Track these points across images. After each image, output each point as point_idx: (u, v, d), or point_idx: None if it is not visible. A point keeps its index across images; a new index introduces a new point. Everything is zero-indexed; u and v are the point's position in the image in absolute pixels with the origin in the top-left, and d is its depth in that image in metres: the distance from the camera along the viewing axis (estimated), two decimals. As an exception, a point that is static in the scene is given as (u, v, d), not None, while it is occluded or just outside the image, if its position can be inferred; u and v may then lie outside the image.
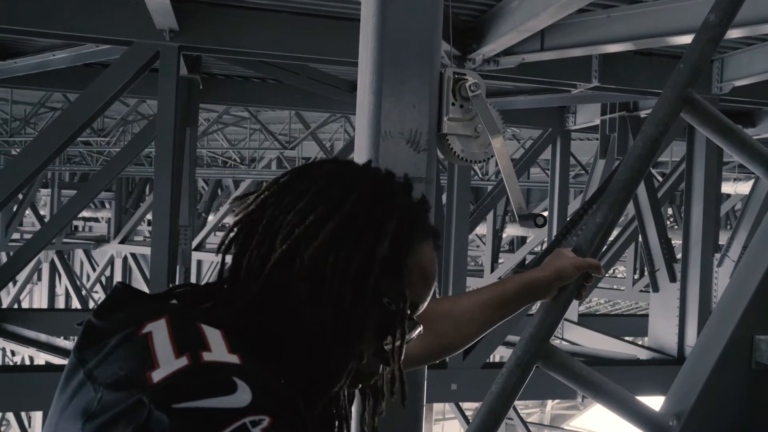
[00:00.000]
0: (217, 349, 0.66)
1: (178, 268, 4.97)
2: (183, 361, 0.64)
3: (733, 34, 3.58)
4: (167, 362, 0.64)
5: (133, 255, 9.58)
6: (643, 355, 5.31)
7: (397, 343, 0.78)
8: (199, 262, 10.39)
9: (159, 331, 0.68)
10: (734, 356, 1.21)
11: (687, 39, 3.79)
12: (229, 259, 0.80)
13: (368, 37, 1.27)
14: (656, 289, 5.27)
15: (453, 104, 1.29)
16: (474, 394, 5.06)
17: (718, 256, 5.57)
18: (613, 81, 4.63)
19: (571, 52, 4.19)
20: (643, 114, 5.60)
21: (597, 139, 6.00)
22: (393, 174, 0.84)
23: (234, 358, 0.66)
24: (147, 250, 10.03)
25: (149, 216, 11.75)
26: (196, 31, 4.07)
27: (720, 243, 5.89)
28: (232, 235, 0.80)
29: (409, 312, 0.79)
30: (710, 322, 1.27)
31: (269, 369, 0.70)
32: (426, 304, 0.84)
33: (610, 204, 1.16)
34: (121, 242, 9.55)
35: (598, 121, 5.89)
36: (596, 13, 4.03)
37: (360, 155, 1.28)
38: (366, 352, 0.78)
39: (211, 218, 10.42)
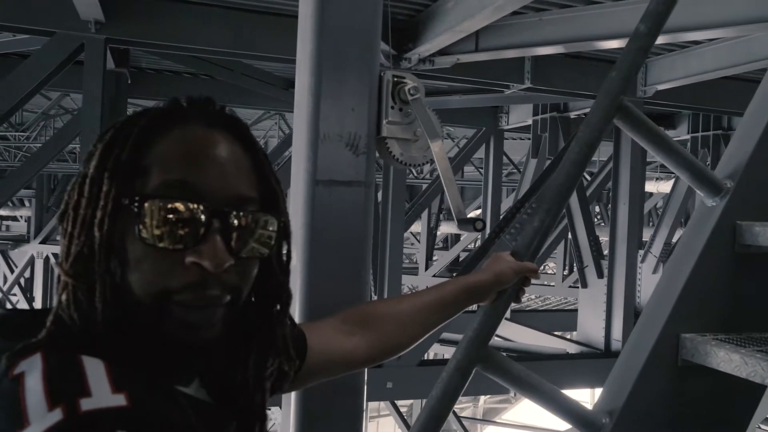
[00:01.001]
0: (99, 391, 0.57)
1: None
2: (57, 416, 0.54)
3: (656, 40, 3.73)
4: (39, 418, 0.54)
5: (56, 255, 9.17)
6: (572, 349, 5.48)
7: (156, 225, 0.64)
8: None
9: (32, 373, 0.59)
10: (662, 354, 1.26)
11: (614, 43, 3.93)
12: None
13: (307, 37, 1.24)
14: (585, 285, 5.44)
15: (392, 107, 1.28)
16: (409, 392, 5.10)
17: (641, 252, 5.81)
18: (545, 82, 4.75)
19: (504, 53, 4.27)
20: (572, 115, 5.77)
21: (529, 139, 6.15)
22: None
23: (120, 400, 0.57)
24: (71, 250, 9.66)
25: (74, 214, 11.29)
26: (123, 24, 3.92)
27: (643, 240, 6.15)
28: None
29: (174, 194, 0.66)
30: (640, 321, 1.32)
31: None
32: (202, 177, 0.68)
33: (546, 208, 1.18)
34: (43, 242, 9.13)
35: (530, 121, 6.03)
36: (529, 16, 4.12)
37: (298, 156, 1.26)
38: (148, 263, 0.66)
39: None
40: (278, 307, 0.77)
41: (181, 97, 0.74)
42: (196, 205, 0.66)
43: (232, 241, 0.67)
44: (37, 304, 9.61)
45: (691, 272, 1.26)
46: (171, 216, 0.66)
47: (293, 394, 1.30)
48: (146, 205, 0.66)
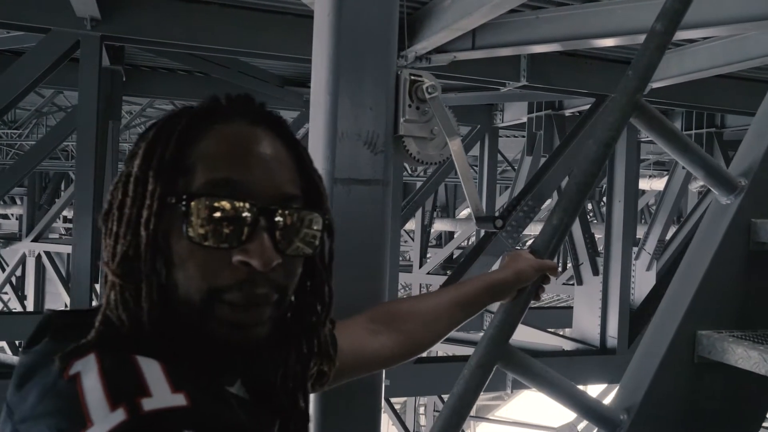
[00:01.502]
0: (159, 391, 0.57)
1: (100, 266, 4.77)
2: (119, 416, 0.54)
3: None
4: (101, 419, 0.54)
5: (48, 253, 9.10)
6: (568, 346, 5.50)
7: (202, 227, 0.64)
8: (120, 260, 9.97)
9: (88, 373, 0.58)
10: (678, 351, 1.27)
11: (610, 41, 3.95)
12: None
13: (324, 35, 1.24)
14: (580, 282, 5.46)
15: (409, 106, 1.28)
16: (407, 390, 5.11)
17: (635, 249, 5.84)
18: (540, 80, 4.76)
19: (500, 51, 4.28)
20: (567, 113, 5.79)
21: (524, 137, 6.16)
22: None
23: (180, 399, 0.57)
24: (62, 249, 9.58)
25: (65, 213, 11.21)
26: (120, 21, 3.90)
27: (636, 237, 6.17)
28: None
29: (217, 193, 0.66)
30: (655, 318, 1.32)
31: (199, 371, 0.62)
32: (248, 176, 0.68)
33: (565, 207, 1.19)
34: (34, 240, 9.06)
35: (524, 119, 6.04)
36: (526, 14, 4.13)
37: (315, 155, 1.25)
38: (196, 262, 0.65)
39: (132, 215, 10.02)
40: (320, 307, 0.76)
41: (220, 94, 0.74)
42: (243, 204, 0.66)
43: (278, 240, 0.67)
44: (29, 304, 9.53)
45: (707, 270, 1.27)
46: (218, 214, 0.65)
47: (312, 395, 1.29)
48: (193, 203, 0.65)
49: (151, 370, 0.59)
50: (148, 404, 0.55)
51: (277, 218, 0.67)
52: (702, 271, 1.27)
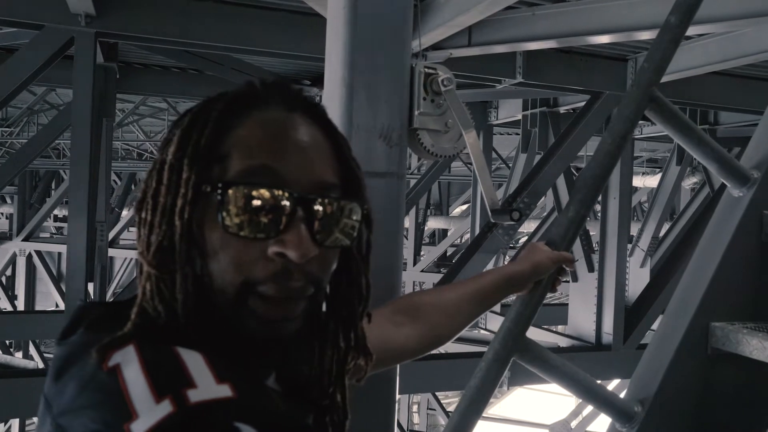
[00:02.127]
0: (204, 383, 0.55)
1: (95, 265, 4.74)
2: (166, 408, 0.52)
3: (643, 36, 3.78)
4: (147, 410, 0.52)
5: (39, 252, 9.03)
6: (563, 342, 5.52)
7: (237, 216, 0.63)
8: (112, 259, 9.93)
9: (129, 364, 0.57)
10: (692, 343, 1.27)
11: (606, 38, 3.97)
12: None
13: (338, 28, 1.23)
14: (575, 279, 5.48)
15: (424, 99, 1.28)
16: (401, 387, 5.08)
17: (629, 246, 5.86)
18: (536, 77, 4.77)
19: (497, 48, 4.28)
20: (562, 110, 5.81)
21: (518, 134, 6.17)
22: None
23: (226, 391, 0.55)
24: (54, 248, 9.52)
25: (57, 211, 11.12)
26: (114, 17, 3.87)
27: (630, 234, 6.20)
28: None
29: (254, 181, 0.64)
30: (668, 311, 1.33)
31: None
32: (286, 163, 0.67)
33: (581, 199, 1.19)
34: (25, 239, 8.98)
35: (519, 116, 6.05)
36: (522, 10, 4.14)
37: (329, 149, 1.25)
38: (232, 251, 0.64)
39: (125, 213, 10.00)
40: (358, 300, 0.75)
41: (255, 79, 0.72)
42: (281, 192, 0.64)
43: (316, 230, 0.65)
44: (20, 303, 9.45)
45: (719, 262, 1.27)
46: (256, 203, 0.63)
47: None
48: (230, 191, 0.63)
49: (194, 360, 0.57)
50: (194, 396, 0.54)
51: (316, 208, 0.65)
52: (715, 264, 1.28)
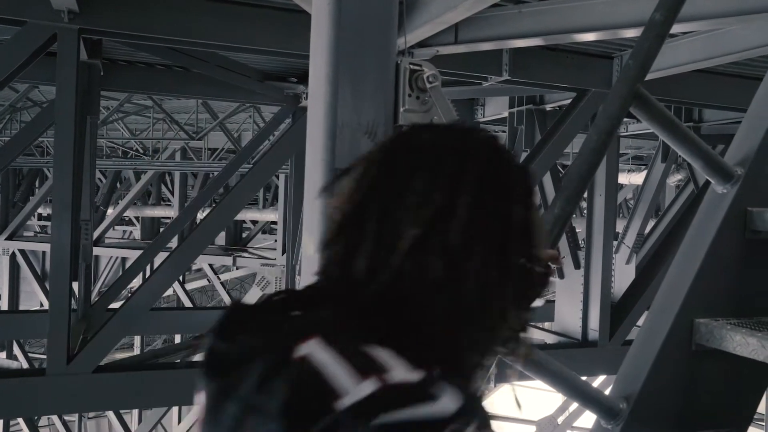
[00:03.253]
0: (398, 368, 0.61)
1: (80, 264, 4.70)
2: (371, 384, 0.58)
3: (629, 33, 3.79)
4: (352, 388, 0.58)
5: (23, 251, 8.95)
6: (550, 339, 5.55)
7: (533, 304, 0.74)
8: (97, 258, 9.85)
9: (319, 353, 0.61)
10: (676, 339, 1.28)
11: (592, 36, 3.98)
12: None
13: (323, 25, 1.22)
14: (561, 276, 5.50)
15: (409, 95, 1.27)
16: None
17: (615, 243, 5.90)
18: (522, 75, 4.78)
19: (483, 45, 4.29)
20: (548, 107, 5.83)
21: (505, 131, 6.18)
22: (494, 135, 0.79)
23: (420, 372, 0.61)
24: (38, 246, 9.43)
25: (41, 210, 11.00)
26: (97, 14, 3.82)
27: (616, 231, 6.24)
28: (334, 227, 0.73)
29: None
30: (653, 307, 1.33)
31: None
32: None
33: (566, 196, 1.19)
34: (9, 238, 8.89)
35: (506, 114, 6.06)
36: (508, 8, 4.14)
37: (314, 146, 1.24)
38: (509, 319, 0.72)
39: (110, 211, 9.92)
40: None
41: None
42: None
43: None
44: (3, 303, 9.36)
45: (703, 259, 1.28)
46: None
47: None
48: None
49: (379, 351, 0.61)
50: (392, 377, 0.59)
51: None
52: (699, 260, 1.29)
